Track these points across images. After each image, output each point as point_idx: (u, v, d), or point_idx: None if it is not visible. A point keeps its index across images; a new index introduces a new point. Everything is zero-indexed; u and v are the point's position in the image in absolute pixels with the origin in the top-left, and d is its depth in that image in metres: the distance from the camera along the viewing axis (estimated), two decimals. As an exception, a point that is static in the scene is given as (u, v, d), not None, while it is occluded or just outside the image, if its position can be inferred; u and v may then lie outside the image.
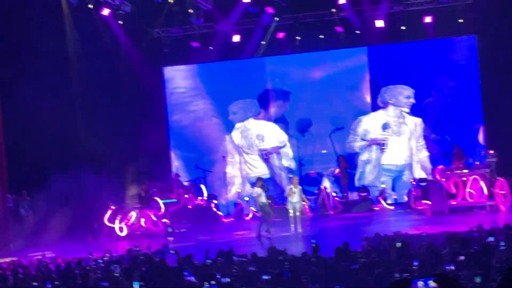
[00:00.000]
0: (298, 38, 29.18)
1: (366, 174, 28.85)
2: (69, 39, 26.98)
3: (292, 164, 29.53)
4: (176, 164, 29.91)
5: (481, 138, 27.84)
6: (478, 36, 27.68)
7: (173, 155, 30.08)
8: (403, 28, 28.24)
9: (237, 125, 29.80)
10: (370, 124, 28.85)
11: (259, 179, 23.24)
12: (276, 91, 29.70)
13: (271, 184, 28.06)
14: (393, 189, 28.48)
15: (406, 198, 26.73)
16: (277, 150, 29.60)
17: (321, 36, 28.92)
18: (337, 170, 28.20)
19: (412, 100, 28.52)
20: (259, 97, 29.76)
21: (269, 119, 29.76)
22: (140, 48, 29.19)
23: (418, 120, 28.55)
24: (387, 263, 11.64)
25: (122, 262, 14.96)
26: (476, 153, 26.48)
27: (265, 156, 29.67)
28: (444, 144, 27.91)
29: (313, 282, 10.33)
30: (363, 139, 28.88)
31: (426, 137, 28.51)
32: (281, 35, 28.97)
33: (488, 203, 23.22)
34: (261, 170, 29.49)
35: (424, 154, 28.41)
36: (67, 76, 26.95)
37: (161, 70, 30.17)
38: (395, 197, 28.14)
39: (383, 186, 27.88)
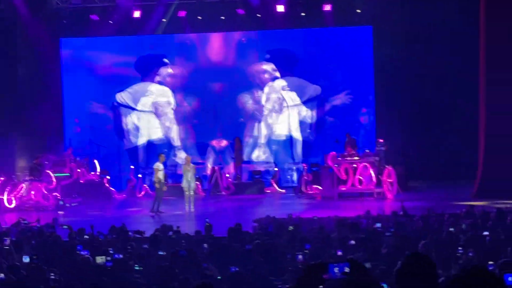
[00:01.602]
0: (200, 18, 29.13)
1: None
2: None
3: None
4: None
5: (362, 119, 28.77)
6: (374, 27, 28.37)
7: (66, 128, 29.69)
8: (302, 14, 28.61)
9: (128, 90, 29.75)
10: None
11: (162, 154, 23.29)
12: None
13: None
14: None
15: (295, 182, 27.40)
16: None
17: (222, 17, 28.98)
18: (224, 142, 28.75)
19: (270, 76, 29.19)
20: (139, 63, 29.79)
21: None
22: (38, 18, 28.53)
23: (298, 100, 29.23)
24: (279, 245, 11.91)
25: (10, 234, 14.73)
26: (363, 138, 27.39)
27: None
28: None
29: (207, 262, 10.48)
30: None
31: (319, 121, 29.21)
32: (182, 13, 28.86)
33: (376, 191, 23.89)
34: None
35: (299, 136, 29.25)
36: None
37: (58, 41, 29.60)
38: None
39: (276, 169, 28.31)
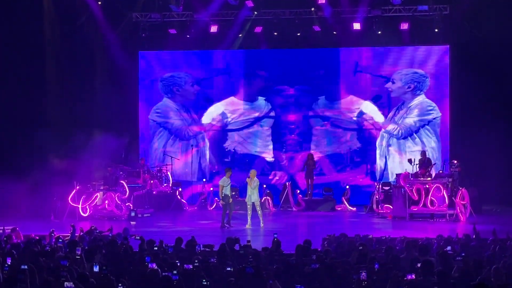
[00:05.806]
0: (275, 33, 29.24)
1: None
2: (46, 17, 26.91)
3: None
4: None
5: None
6: (450, 46, 28.07)
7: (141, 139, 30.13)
8: (379, 32, 28.45)
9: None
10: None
11: (229, 168, 23.17)
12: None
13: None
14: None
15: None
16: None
17: (298, 34, 29.05)
18: None
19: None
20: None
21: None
22: (117, 30, 29.11)
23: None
24: (347, 264, 11.82)
25: (82, 242, 14.96)
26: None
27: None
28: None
29: (272, 279, 10.46)
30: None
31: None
32: (258, 29, 29.02)
33: (448, 212, 23.53)
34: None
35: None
36: (42, 53, 26.94)
37: (137, 54, 30.10)
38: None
39: (347, 187, 28.09)
